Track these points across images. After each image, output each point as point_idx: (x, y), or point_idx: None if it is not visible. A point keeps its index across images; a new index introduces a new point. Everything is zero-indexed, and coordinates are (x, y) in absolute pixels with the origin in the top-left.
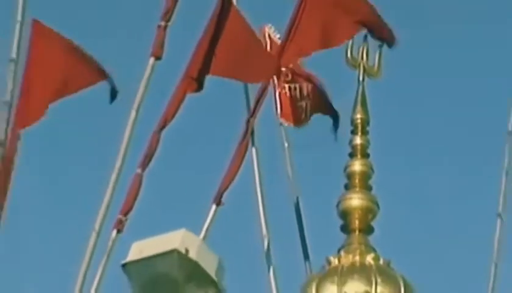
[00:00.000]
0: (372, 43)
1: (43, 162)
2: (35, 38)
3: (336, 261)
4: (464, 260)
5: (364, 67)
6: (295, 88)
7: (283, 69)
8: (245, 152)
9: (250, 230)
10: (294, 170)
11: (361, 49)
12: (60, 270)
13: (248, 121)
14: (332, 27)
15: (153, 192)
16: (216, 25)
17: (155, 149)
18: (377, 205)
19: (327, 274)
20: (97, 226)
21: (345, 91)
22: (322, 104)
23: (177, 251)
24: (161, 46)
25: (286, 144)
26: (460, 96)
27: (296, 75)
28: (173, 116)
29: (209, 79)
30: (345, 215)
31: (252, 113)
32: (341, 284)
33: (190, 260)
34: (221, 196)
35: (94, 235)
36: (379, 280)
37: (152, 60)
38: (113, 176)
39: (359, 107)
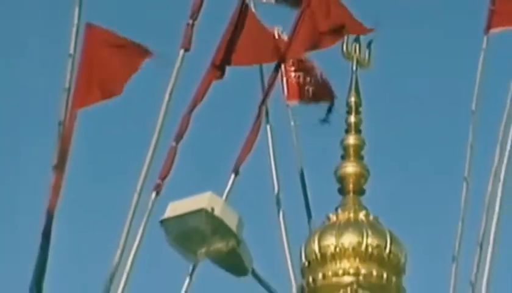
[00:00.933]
0: (363, 39)
1: (92, 137)
2: (88, 38)
3: (334, 218)
4: (437, 218)
5: (357, 59)
6: (299, 76)
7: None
8: (259, 129)
9: (264, 194)
10: (300, 144)
11: (354, 45)
12: (104, 228)
13: (262, 103)
14: (319, 33)
15: (186, 161)
16: (236, 25)
17: (186, 128)
18: (368, 171)
19: (327, 228)
20: (138, 188)
21: (342, 79)
22: (324, 90)
23: (204, 210)
24: (190, 40)
25: (292, 123)
26: (437, 74)
27: (301, 65)
28: (201, 99)
29: (230, 68)
30: (341, 180)
31: (265, 96)
32: (338, 236)
33: (215, 217)
34: (239, 167)
35: (135, 196)
36: (369, 233)
37: (181, 51)
38: (151, 147)
39: (353, 92)
